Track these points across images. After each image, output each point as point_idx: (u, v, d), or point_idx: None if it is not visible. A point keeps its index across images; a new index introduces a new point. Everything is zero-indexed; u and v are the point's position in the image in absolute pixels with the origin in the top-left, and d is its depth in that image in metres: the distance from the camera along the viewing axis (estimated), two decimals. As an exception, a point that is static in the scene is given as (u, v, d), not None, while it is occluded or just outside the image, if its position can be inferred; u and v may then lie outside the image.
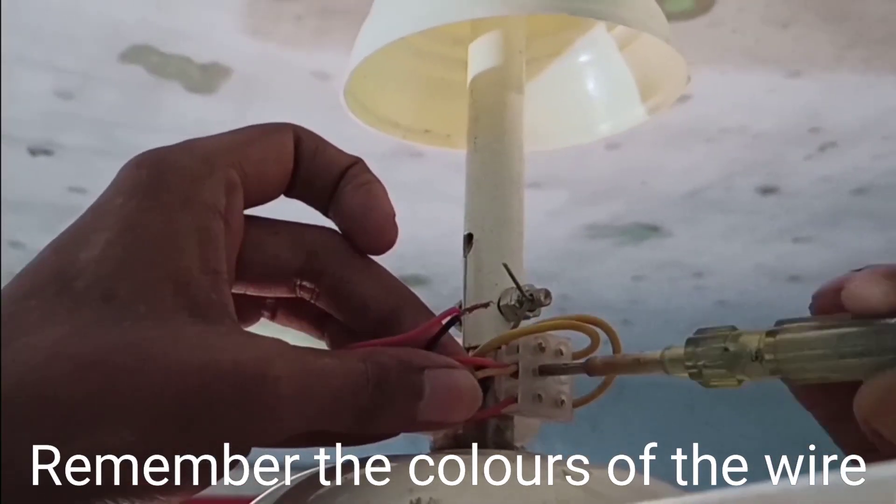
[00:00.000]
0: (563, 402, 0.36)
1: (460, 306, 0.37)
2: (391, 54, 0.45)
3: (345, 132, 0.90)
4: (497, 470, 0.30)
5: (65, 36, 0.81)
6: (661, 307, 1.54)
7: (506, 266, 0.37)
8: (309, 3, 0.79)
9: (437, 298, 1.43)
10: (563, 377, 0.36)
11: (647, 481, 0.33)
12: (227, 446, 0.25)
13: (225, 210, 0.28)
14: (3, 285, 0.26)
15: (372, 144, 1.03)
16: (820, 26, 0.78)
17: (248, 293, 0.32)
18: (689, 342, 0.31)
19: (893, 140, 0.97)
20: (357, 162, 0.33)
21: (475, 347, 0.36)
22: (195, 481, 0.25)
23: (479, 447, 0.34)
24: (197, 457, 0.25)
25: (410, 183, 1.07)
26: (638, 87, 0.44)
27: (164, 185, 0.27)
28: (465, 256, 0.39)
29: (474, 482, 0.30)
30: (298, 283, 0.32)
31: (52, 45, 0.83)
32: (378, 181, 0.33)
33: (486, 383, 0.35)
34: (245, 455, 0.26)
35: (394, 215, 0.33)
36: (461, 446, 0.34)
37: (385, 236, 0.32)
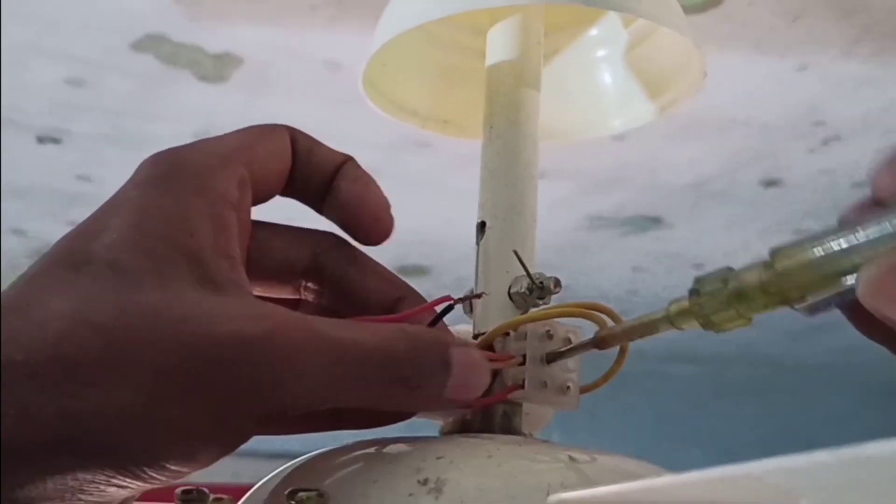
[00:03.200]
0: (569, 388, 0.36)
1: (478, 297, 0.37)
2: (409, 43, 0.46)
3: (354, 121, 0.91)
4: (503, 453, 0.31)
5: (77, 25, 0.81)
6: (660, 298, 1.54)
7: (516, 253, 0.38)
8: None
9: (440, 288, 1.43)
10: (570, 364, 0.36)
11: (651, 468, 0.34)
12: (234, 415, 0.25)
13: (236, 203, 0.29)
14: (8, 272, 0.27)
15: (378, 134, 1.05)
16: (829, 19, 0.78)
17: (255, 294, 0.32)
18: (692, 292, 0.31)
19: (893, 134, 0.98)
20: (350, 159, 0.33)
21: (484, 334, 0.37)
22: (205, 451, 0.26)
23: (486, 433, 0.35)
24: (205, 423, 0.25)
25: (415, 173, 1.08)
26: (653, 82, 0.44)
27: (179, 176, 0.28)
28: (477, 244, 0.39)
29: (480, 464, 0.30)
30: (304, 283, 0.33)
31: (64, 34, 0.83)
32: (370, 176, 0.33)
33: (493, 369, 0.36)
34: (256, 429, 0.26)
35: (389, 206, 0.33)
36: (468, 432, 0.35)
37: (381, 225, 0.33)
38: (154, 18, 0.81)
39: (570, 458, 0.32)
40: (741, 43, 0.81)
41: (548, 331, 0.36)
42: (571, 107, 0.48)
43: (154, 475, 0.25)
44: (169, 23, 0.82)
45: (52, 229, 1.11)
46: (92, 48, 0.85)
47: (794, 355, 1.89)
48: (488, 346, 0.36)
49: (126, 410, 0.24)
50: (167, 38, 0.85)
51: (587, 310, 0.36)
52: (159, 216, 0.27)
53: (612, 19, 0.47)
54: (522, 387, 0.35)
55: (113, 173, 1.07)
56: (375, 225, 0.33)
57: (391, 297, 0.33)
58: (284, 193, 0.32)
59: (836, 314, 0.30)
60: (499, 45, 0.42)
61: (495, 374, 0.35)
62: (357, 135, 1.02)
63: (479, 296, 0.37)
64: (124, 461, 0.25)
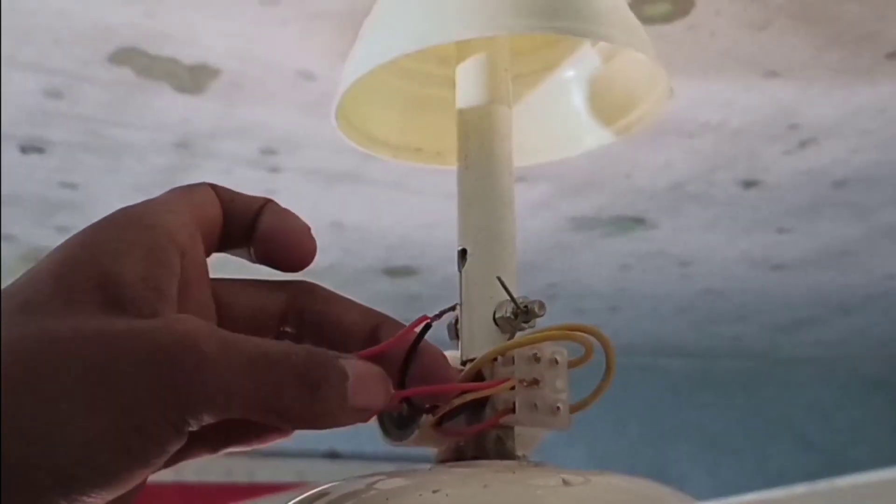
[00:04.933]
0: (559, 409, 0.37)
1: (453, 310, 0.38)
2: (379, 75, 0.47)
3: (328, 129, 0.91)
4: (498, 481, 0.32)
5: (54, 38, 0.82)
6: (649, 294, 1.56)
7: (500, 280, 0.39)
8: (295, 7, 0.80)
9: (428, 288, 1.44)
10: (559, 384, 0.37)
11: (648, 487, 0.35)
12: (149, 422, 0.25)
13: (186, 248, 0.29)
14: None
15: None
16: (796, 28, 0.79)
17: None
18: None
19: (870, 135, 0.99)
20: (269, 201, 0.34)
21: (472, 360, 0.38)
22: (118, 464, 0.25)
23: (480, 458, 0.36)
24: (116, 435, 0.25)
25: (395, 176, 1.09)
26: (622, 99, 0.46)
27: (126, 216, 0.29)
28: (459, 271, 0.40)
29: (475, 495, 0.31)
30: (282, 329, 0.34)
31: (41, 47, 0.84)
32: (289, 210, 0.34)
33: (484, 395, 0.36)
34: (175, 437, 0.26)
35: (309, 229, 0.34)
36: (463, 458, 0.36)
37: (304, 248, 0.33)
38: (129, 32, 0.82)
39: (564, 481, 0.32)
40: (710, 51, 0.82)
41: (535, 354, 0.37)
42: (544, 126, 0.49)
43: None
44: (143, 37, 0.83)
45: (39, 235, 1.12)
46: (69, 61, 0.85)
47: (782, 348, 1.91)
48: (477, 372, 0.37)
49: (33, 430, 0.24)
50: (142, 50, 0.85)
51: (572, 332, 0.37)
52: (86, 247, 0.28)
53: (578, 42, 0.48)
54: (513, 411, 0.36)
55: (95, 181, 1.07)
56: (298, 247, 0.33)
57: (369, 325, 0.34)
58: (221, 247, 0.33)
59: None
60: (467, 74, 0.43)
61: (485, 399, 0.35)
62: (336, 141, 1.02)
63: (453, 308, 0.37)
64: (39, 488, 0.25)
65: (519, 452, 0.37)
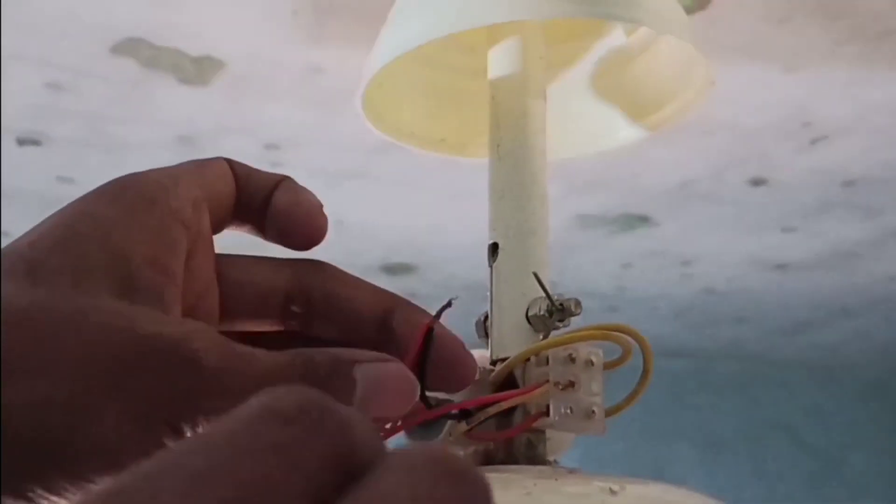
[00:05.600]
0: (594, 413, 0.35)
1: (449, 306, 0.36)
2: (405, 63, 0.45)
3: (337, 124, 0.89)
4: (540, 489, 0.30)
5: (56, 30, 0.80)
6: (649, 295, 1.54)
7: (536, 275, 0.37)
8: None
9: (428, 286, 1.43)
10: (594, 387, 0.36)
11: (693, 498, 0.33)
12: (149, 419, 0.24)
13: (190, 222, 0.29)
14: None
15: (361, 137, 1.03)
16: (816, 22, 0.78)
17: (238, 329, 0.31)
18: None
19: (883, 133, 0.98)
20: (286, 178, 0.33)
21: (504, 360, 0.36)
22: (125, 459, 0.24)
23: (509, 463, 0.34)
24: (121, 427, 0.24)
25: (398, 174, 1.07)
26: (658, 92, 0.44)
27: (129, 191, 0.28)
28: (489, 266, 0.39)
29: (522, 498, 0.29)
30: (289, 309, 0.32)
31: (43, 39, 0.82)
32: (303, 187, 0.33)
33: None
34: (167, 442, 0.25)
35: (321, 206, 0.32)
36: (491, 463, 0.34)
37: (315, 223, 0.32)
38: (133, 22, 0.80)
39: (610, 489, 0.31)
40: (728, 46, 0.81)
41: (570, 354, 0.35)
42: (577, 119, 0.47)
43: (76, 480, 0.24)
44: (148, 27, 0.81)
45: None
46: (71, 53, 0.83)
47: (781, 351, 1.90)
48: (509, 373, 0.35)
49: (44, 406, 0.23)
50: (147, 41, 0.84)
51: (610, 332, 0.35)
52: (95, 222, 0.27)
53: (613, 30, 0.47)
54: (547, 414, 0.34)
55: (94, 176, 1.05)
56: (308, 222, 0.32)
57: (382, 307, 0.32)
58: (233, 222, 0.32)
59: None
60: (501, 60, 0.41)
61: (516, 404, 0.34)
62: (340, 138, 1.01)
63: (449, 304, 0.35)
64: (50, 473, 0.24)
65: (550, 457, 0.36)
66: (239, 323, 0.31)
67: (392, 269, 1.35)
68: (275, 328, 0.32)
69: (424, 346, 0.31)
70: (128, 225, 0.27)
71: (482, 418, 0.34)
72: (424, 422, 0.33)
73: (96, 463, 0.24)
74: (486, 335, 0.38)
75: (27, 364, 0.24)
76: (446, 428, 0.36)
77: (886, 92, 0.90)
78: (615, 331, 0.36)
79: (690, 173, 1.07)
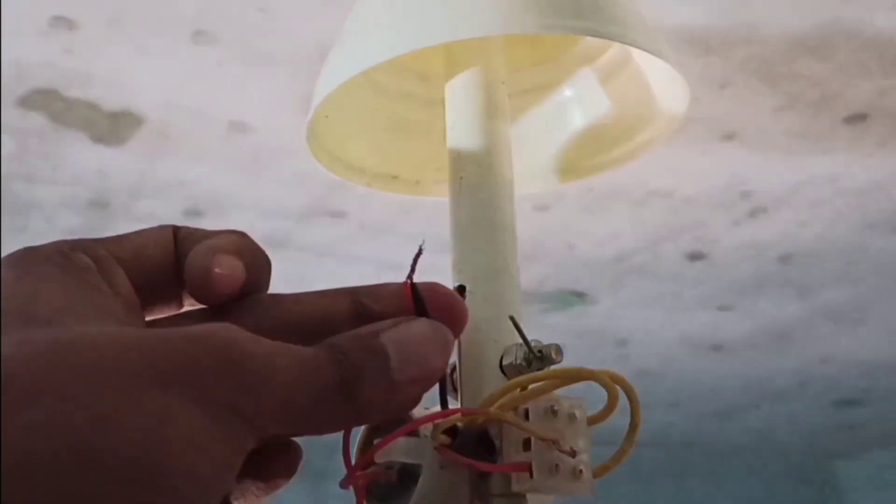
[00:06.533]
0: (581, 472, 0.30)
1: (420, 254, 0.32)
2: (354, 93, 0.41)
3: (261, 187, 0.83)
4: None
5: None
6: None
7: (513, 319, 0.33)
8: (233, 48, 0.74)
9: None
10: (581, 443, 0.31)
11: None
12: (235, 420, 0.23)
13: (98, 270, 0.28)
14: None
15: (288, 202, 0.98)
16: (756, 88, 0.77)
17: None
18: None
19: (819, 206, 0.97)
20: (220, 235, 0.31)
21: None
22: (212, 462, 0.23)
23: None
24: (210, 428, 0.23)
25: (328, 243, 1.02)
26: (626, 121, 0.40)
27: (36, 253, 0.28)
28: (456, 310, 0.34)
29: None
30: None
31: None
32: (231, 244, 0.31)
33: (488, 441, 0.30)
34: (252, 444, 0.24)
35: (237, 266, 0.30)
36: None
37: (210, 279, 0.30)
38: (44, 71, 0.74)
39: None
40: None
41: (552, 406, 0.30)
42: (536, 153, 0.43)
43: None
44: (61, 76, 0.75)
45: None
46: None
47: (711, 436, 1.87)
48: (483, 431, 0.30)
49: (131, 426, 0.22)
50: (57, 93, 0.78)
51: (595, 375, 0.31)
52: (45, 277, 0.27)
53: (580, 53, 0.43)
54: (529, 473, 0.29)
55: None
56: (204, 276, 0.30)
57: (345, 307, 0.30)
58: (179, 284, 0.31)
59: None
60: (459, 88, 0.37)
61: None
62: (264, 202, 0.96)
63: (420, 252, 0.31)
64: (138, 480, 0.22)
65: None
66: None
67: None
68: None
69: (417, 304, 0.30)
70: (67, 277, 0.27)
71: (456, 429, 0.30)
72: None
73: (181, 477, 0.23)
74: (455, 389, 0.33)
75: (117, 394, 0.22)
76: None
77: (824, 162, 0.89)
78: (588, 377, 0.31)
79: (626, 245, 1.04)
